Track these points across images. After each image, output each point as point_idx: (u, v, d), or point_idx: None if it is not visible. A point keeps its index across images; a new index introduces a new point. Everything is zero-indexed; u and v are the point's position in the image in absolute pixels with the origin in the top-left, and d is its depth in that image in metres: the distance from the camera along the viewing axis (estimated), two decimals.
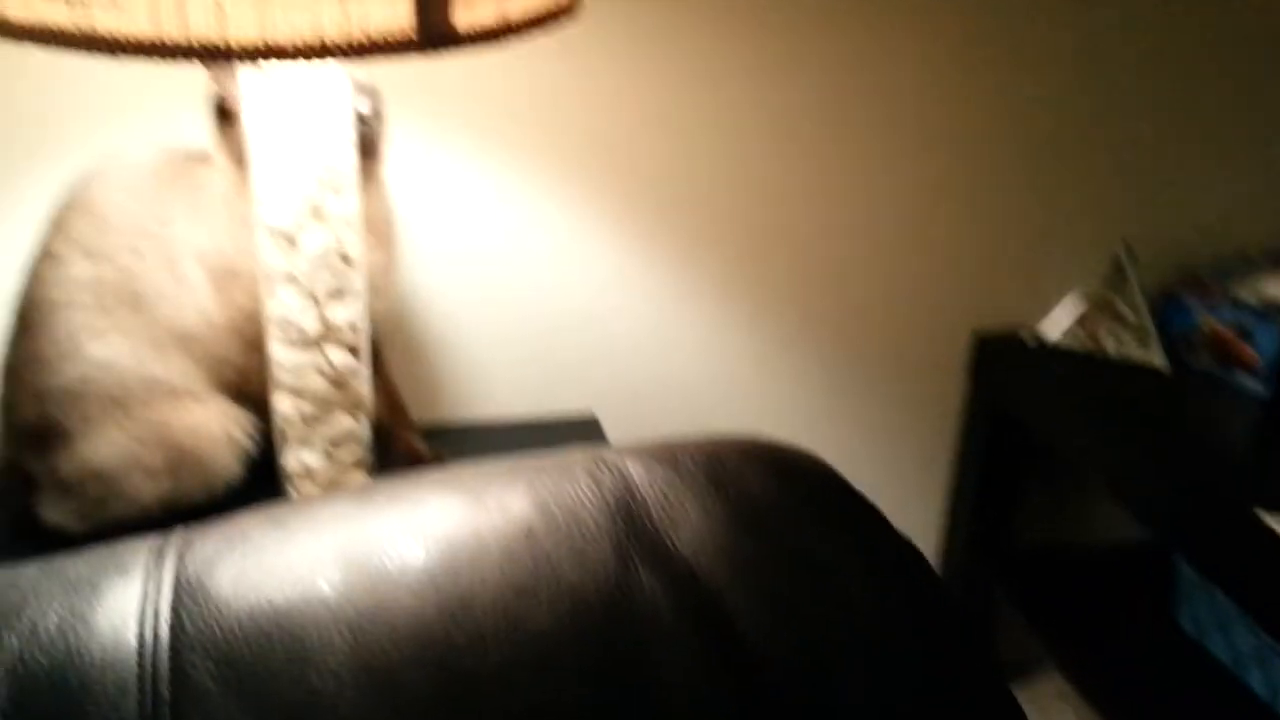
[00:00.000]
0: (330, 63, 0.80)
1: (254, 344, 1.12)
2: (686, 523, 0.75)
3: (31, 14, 0.80)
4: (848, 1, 1.42)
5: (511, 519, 0.71)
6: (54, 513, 1.14)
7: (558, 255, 1.47)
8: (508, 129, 1.38)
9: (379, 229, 1.18)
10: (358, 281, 1.08)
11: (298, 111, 0.98)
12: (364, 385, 1.13)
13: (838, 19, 1.43)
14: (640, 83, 1.40)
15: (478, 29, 0.84)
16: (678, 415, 1.60)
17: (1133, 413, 1.45)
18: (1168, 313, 1.60)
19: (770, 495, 0.78)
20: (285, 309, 1.06)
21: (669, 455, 0.81)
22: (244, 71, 0.99)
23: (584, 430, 1.50)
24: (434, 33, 0.82)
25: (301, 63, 0.79)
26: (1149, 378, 1.54)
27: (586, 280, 1.49)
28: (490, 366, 1.50)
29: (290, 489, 1.14)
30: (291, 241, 1.04)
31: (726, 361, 1.58)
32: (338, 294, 1.07)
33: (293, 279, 1.05)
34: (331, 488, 1.14)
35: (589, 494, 0.75)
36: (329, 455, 1.13)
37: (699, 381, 1.59)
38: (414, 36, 0.81)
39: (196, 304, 1.13)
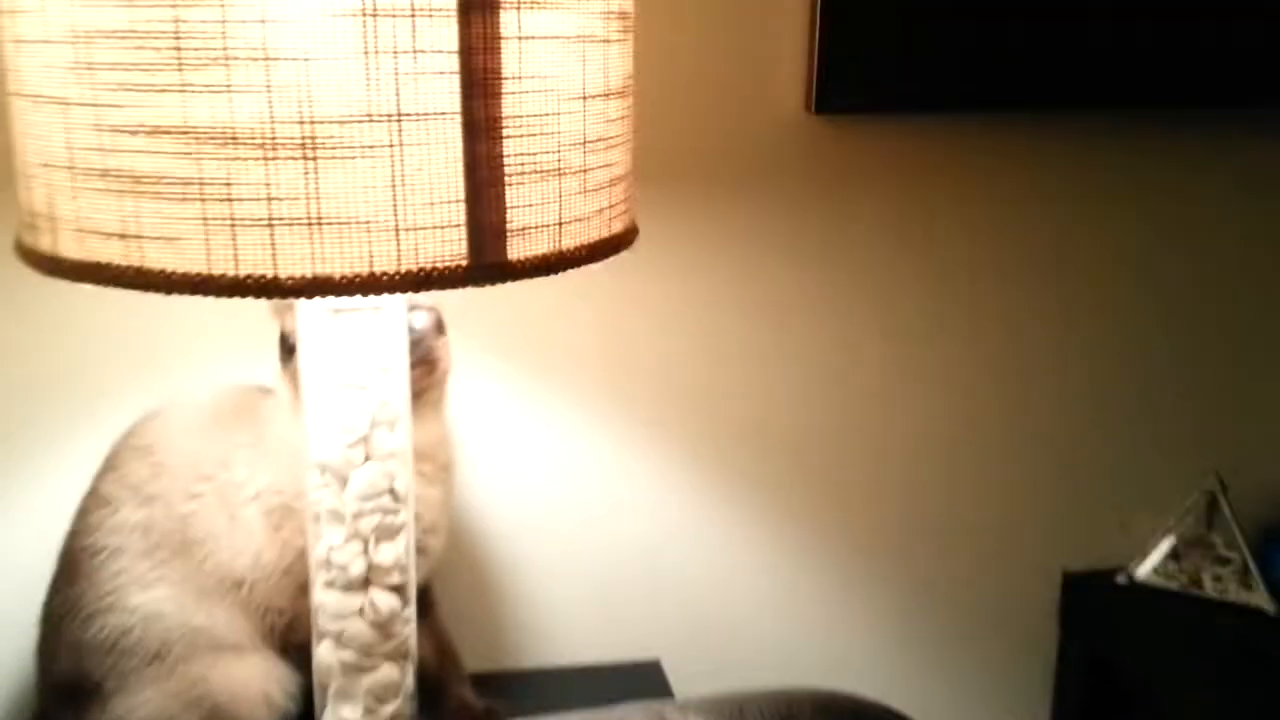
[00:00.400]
0: (383, 296, 0.78)
1: (304, 586, 1.07)
2: None
3: (86, 252, 0.80)
4: (919, 229, 1.41)
5: None
6: None
7: (618, 491, 1.42)
8: (567, 359, 1.36)
9: (438, 460, 1.14)
10: (406, 517, 1.03)
11: (350, 342, 0.96)
12: (410, 630, 1.06)
13: (912, 242, 1.41)
14: (700, 312, 1.38)
15: (532, 261, 0.82)
16: (746, 662, 1.50)
17: (1237, 657, 1.34)
18: (1270, 551, 1.50)
19: None
20: (330, 549, 1.01)
21: (735, 710, 0.73)
22: (300, 303, 0.98)
23: (647, 677, 1.41)
24: (488, 264, 0.79)
25: (354, 297, 0.77)
26: (1254, 619, 1.43)
27: (650, 517, 1.43)
28: (550, 609, 1.43)
29: None
30: (341, 479, 1.00)
31: (798, 604, 1.49)
32: (386, 532, 1.02)
33: (339, 517, 1.00)
34: None
35: None
36: (370, 710, 1.05)
37: (768, 625, 1.50)
38: (468, 268, 0.79)
39: (251, 547, 1.09)
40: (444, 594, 1.27)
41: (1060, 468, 1.52)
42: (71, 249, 0.80)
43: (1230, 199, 1.47)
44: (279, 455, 1.08)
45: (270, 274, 0.76)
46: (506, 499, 1.38)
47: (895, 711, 0.75)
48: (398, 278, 0.77)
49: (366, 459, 1.00)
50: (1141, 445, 1.53)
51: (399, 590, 1.04)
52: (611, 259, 0.86)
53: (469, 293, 0.77)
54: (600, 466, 1.40)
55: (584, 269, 0.83)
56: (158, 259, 0.77)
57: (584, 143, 0.84)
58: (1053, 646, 1.57)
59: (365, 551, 1.01)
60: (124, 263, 0.78)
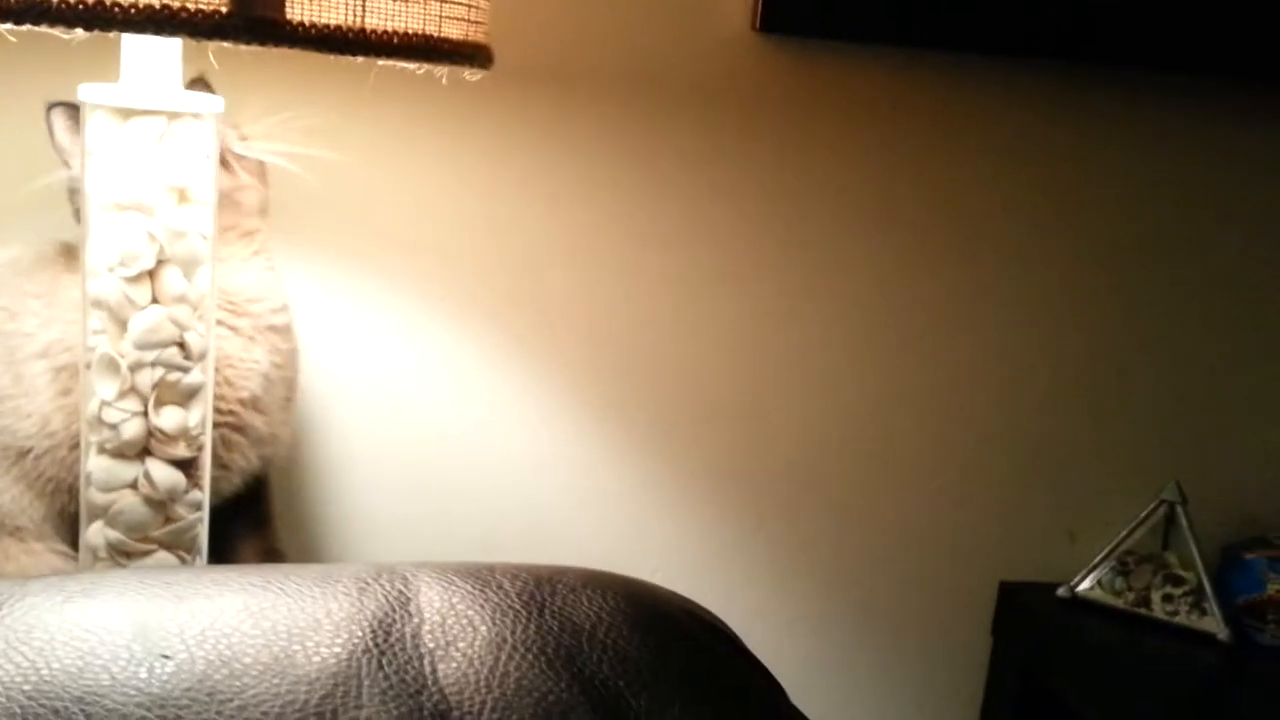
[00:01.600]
0: (118, 32, 0.64)
1: None
2: (464, 648, 0.51)
3: None
4: (867, 167, 1.27)
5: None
6: None
7: (466, 400, 1.26)
8: (416, 258, 1.21)
9: (259, 317, 0.99)
10: (202, 380, 0.89)
11: (139, 155, 0.82)
12: (199, 522, 0.91)
13: (858, 183, 1.27)
14: (621, 233, 1.24)
15: (316, 30, 0.68)
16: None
17: (1186, 690, 1.17)
18: (1228, 573, 1.33)
19: (599, 625, 0.54)
20: (101, 405, 0.86)
21: (486, 574, 0.58)
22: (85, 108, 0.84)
23: None
24: (256, 17, 0.66)
25: (71, 28, 0.63)
26: (1206, 648, 1.27)
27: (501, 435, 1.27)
28: (384, 512, 1.26)
29: None
30: (119, 321, 0.85)
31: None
32: (172, 393, 0.87)
33: (114, 367, 0.85)
34: None
35: (341, 605, 0.52)
36: None
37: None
38: (228, 16, 0.65)
39: (38, 410, 0.94)
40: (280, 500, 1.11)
41: (1008, 471, 1.36)
42: None
43: (1204, 199, 1.33)
44: (73, 310, 0.94)
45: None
46: (349, 407, 1.22)
47: (700, 608, 0.59)
48: (132, 10, 0.63)
49: (153, 301, 0.85)
50: (1099, 449, 1.37)
51: (187, 468, 0.89)
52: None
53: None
54: (447, 375, 1.24)
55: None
56: None
57: None
58: (985, 665, 1.40)
59: (144, 413, 0.86)
60: None
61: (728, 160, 1.24)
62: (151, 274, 0.84)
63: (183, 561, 0.90)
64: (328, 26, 0.68)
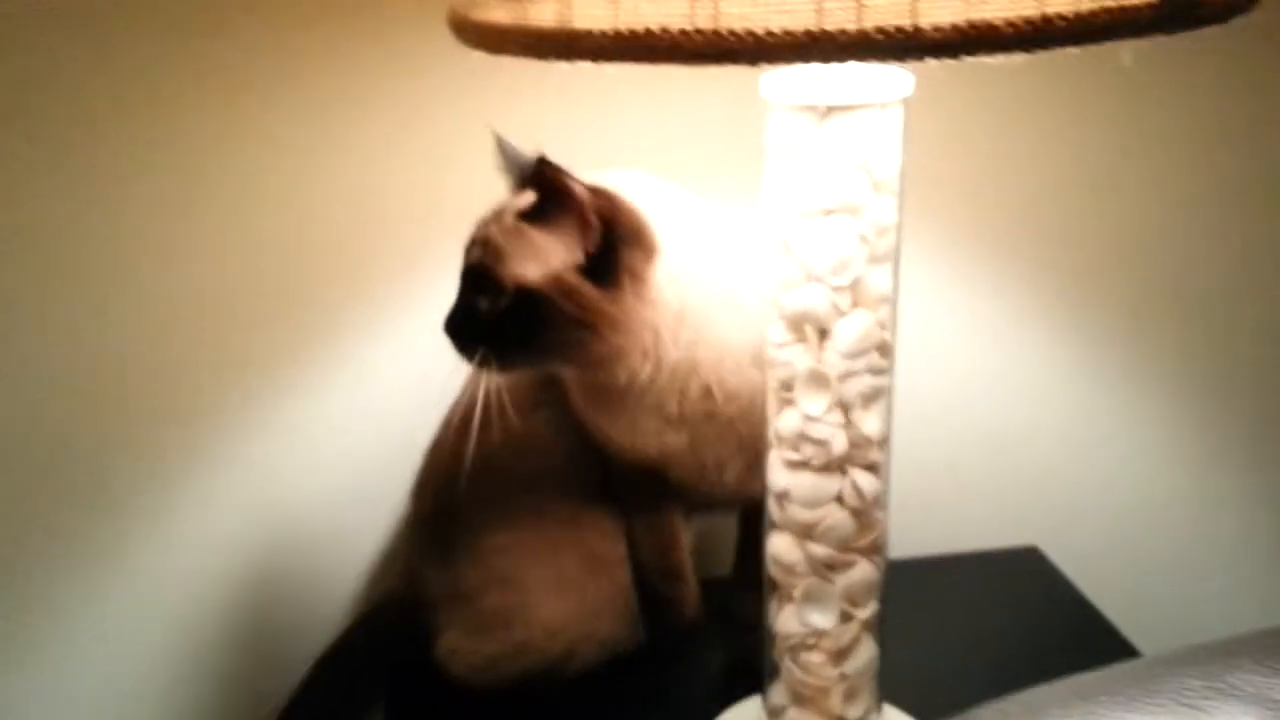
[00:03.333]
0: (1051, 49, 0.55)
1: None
2: None
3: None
4: None
5: None
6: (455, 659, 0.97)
7: (986, 373, 1.20)
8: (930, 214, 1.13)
9: None
10: (892, 379, 0.83)
11: (842, 153, 0.74)
12: (886, 518, 0.86)
13: None
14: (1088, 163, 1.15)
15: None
16: (1127, 548, 1.30)
17: None
18: None
19: None
20: (806, 420, 0.81)
21: None
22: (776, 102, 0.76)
23: (1028, 562, 1.22)
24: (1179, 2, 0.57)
25: (1004, 54, 0.55)
26: None
27: (1019, 398, 1.22)
28: (918, 496, 1.22)
29: (786, 659, 0.88)
30: (821, 331, 0.79)
31: (1179, 483, 1.29)
32: (872, 398, 0.81)
33: (821, 381, 0.79)
34: (840, 657, 0.87)
35: None
36: (846, 616, 0.86)
37: (1150, 506, 1.29)
38: (1157, 6, 0.56)
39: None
40: None
41: None
42: (597, 15, 0.58)
43: None
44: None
45: (905, 23, 0.53)
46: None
47: None
48: (1075, 23, 0.54)
49: (854, 305, 0.78)
50: None
51: (877, 470, 0.83)
52: None
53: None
54: (969, 351, 1.19)
55: None
56: (739, 13, 0.55)
57: None
58: None
59: (847, 422, 0.80)
60: (686, 25, 0.56)
61: None
62: (857, 279, 0.77)
63: (877, 567, 0.86)
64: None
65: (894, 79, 0.74)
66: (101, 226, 1.02)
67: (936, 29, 0.54)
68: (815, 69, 0.74)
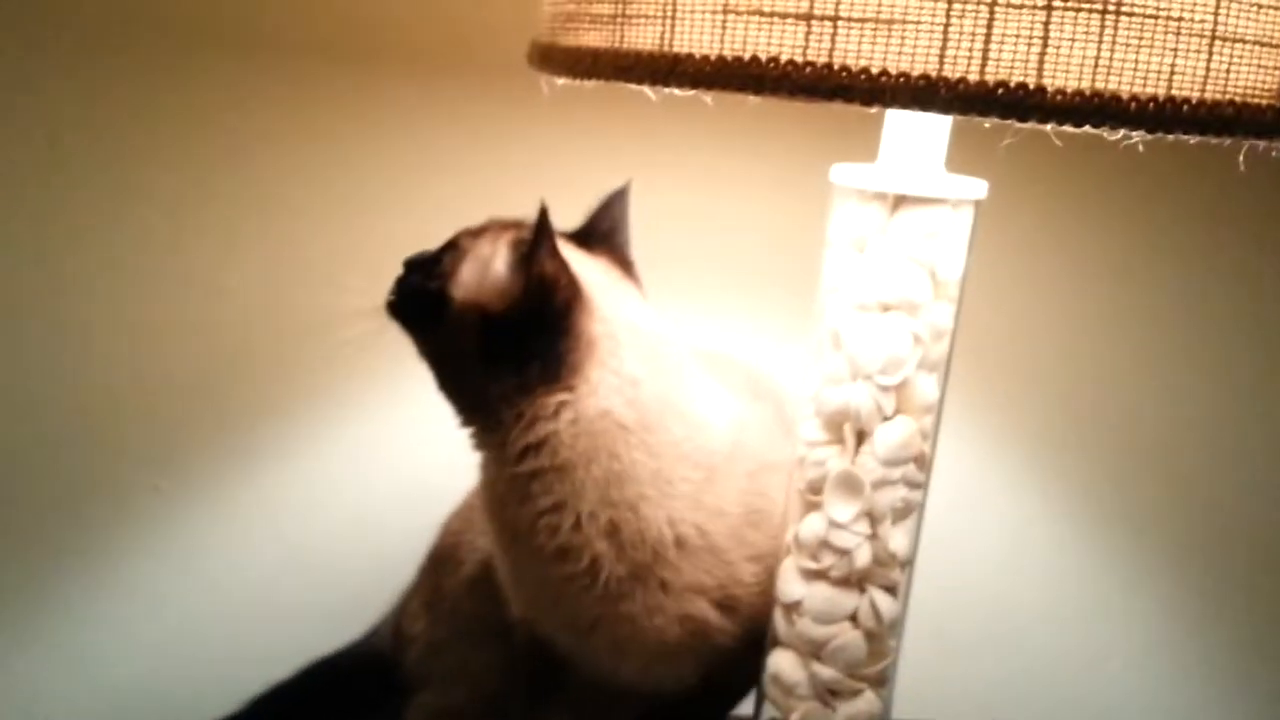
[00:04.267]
0: (1174, 133, 0.53)
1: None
2: None
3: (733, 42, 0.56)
4: None
5: None
6: None
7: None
8: None
9: None
10: (925, 495, 0.78)
11: (908, 247, 0.72)
12: (899, 651, 0.81)
13: None
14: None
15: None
16: None
17: None
18: None
19: None
20: (830, 527, 0.76)
21: None
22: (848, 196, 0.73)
23: None
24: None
25: (1131, 128, 0.53)
26: None
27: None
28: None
29: None
30: (859, 433, 0.75)
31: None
32: (904, 511, 0.77)
33: (854, 486, 0.75)
34: None
35: None
36: None
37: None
38: (1276, 108, 0.55)
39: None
40: None
41: None
42: (702, 40, 0.56)
43: None
44: None
45: (1029, 81, 0.51)
46: None
47: None
48: (1200, 108, 0.53)
49: (898, 410, 0.74)
50: None
51: (896, 593, 0.78)
52: None
53: None
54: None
55: None
56: (856, 50, 0.53)
57: None
58: None
59: (874, 535, 0.76)
60: (798, 57, 0.53)
61: None
62: (906, 381, 0.74)
63: (883, 701, 0.80)
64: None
65: (967, 183, 0.73)
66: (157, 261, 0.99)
67: (1059, 91, 0.52)
68: (892, 160, 0.72)
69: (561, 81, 0.67)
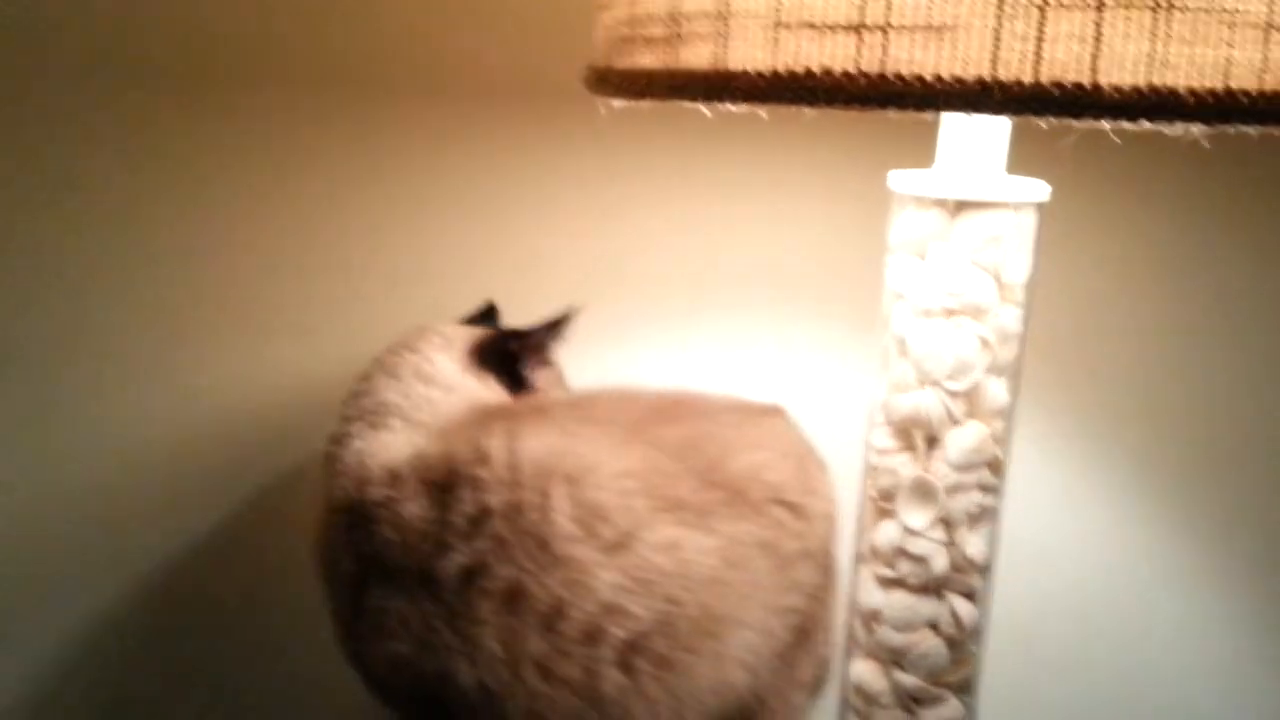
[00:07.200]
0: (1231, 124, 0.53)
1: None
2: None
3: (785, 57, 0.56)
4: None
5: None
6: None
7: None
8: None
9: None
10: (1001, 500, 0.78)
11: (970, 251, 0.72)
12: (982, 655, 0.80)
13: None
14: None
15: None
16: None
17: None
18: None
19: None
20: (905, 534, 0.76)
21: None
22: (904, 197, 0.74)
23: None
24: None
25: (1180, 121, 0.52)
26: None
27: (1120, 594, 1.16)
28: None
29: None
30: (930, 439, 0.75)
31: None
32: (980, 517, 0.76)
33: (928, 492, 0.75)
34: None
35: None
36: None
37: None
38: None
39: None
40: None
41: None
42: (755, 56, 0.57)
43: None
44: None
45: (1084, 79, 0.52)
46: None
47: None
48: (1259, 99, 0.52)
49: (969, 415, 0.74)
50: None
51: (975, 598, 0.78)
52: None
53: None
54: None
55: None
56: (908, 58, 0.53)
57: None
58: None
59: (950, 541, 0.76)
60: (851, 67, 0.54)
61: None
62: (977, 385, 0.74)
63: (967, 708, 0.79)
64: None
65: (1028, 185, 0.72)
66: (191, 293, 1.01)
67: (1115, 89, 0.52)
68: (950, 165, 0.73)
69: (619, 104, 0.68)
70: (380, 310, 1.02)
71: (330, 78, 0.97)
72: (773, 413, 0.79)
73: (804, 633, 0.74)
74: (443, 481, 0.69)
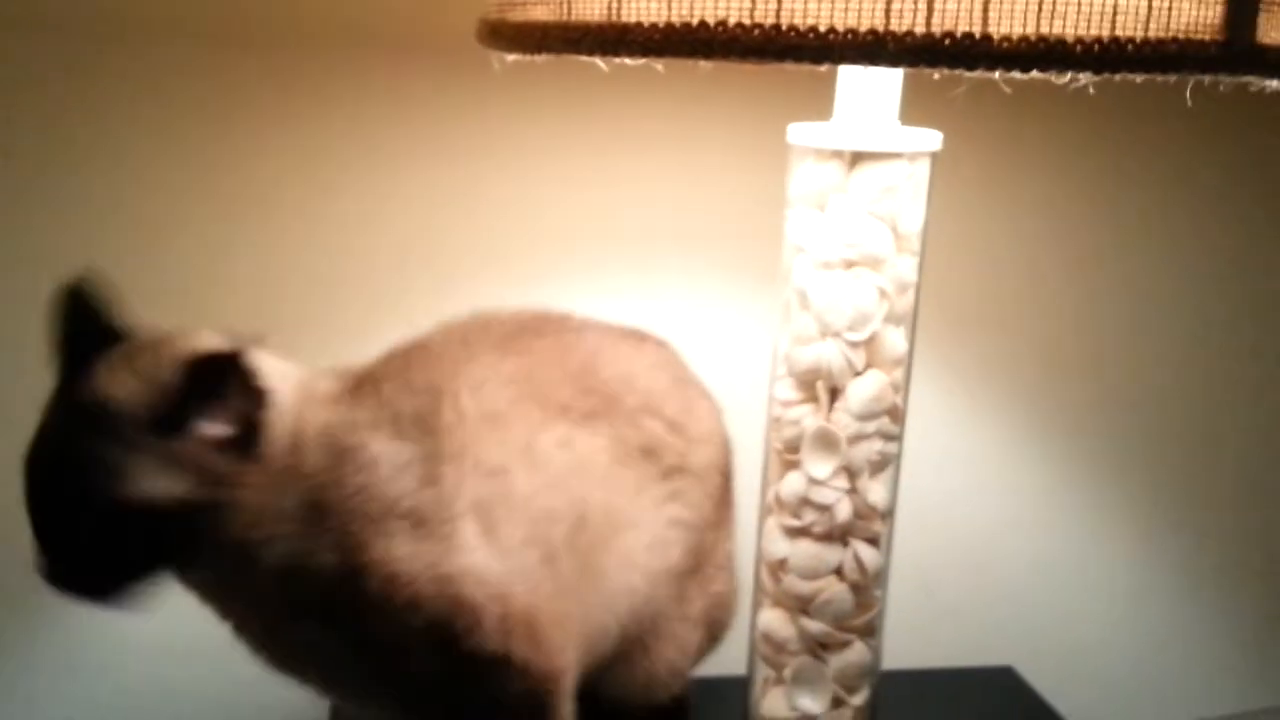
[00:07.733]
0: (1117, 72, 0.54)
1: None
2: None
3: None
4: None
5: None
6: None
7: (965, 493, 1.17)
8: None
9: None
10: (902, 447, 0.79)
11: (866, 204, 0.72)
12: (885, 599, 0.82)
13: None
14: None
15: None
16: (1100, 673, 1.26)
17: None
18: None
19: None
20: (809, 484, 0.77)
21: None
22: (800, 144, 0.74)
23: (1001, 680, 1.17)
24: (1240, 45, 0.56)
25: (1072, 71, 0.53)
26: None
27: (996, 521, 1.19)
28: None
29: None
30: (832, 389, 0.75)
31: (1150, 610, 1.25)
32: (881, 464, 0.78)
33: (830, 442, 0.76)
34: None
35: None
36: (839, 701, 0.80)
37: (1123, 630, 1.26)
38: (1221, 45, 0.55)
39: None
40: None
41: None
42: (649, 8, 0.56)
43: None
44: None
45: (974, 30, 0.52)
46: None
47: None
48: (1144, 46, 0.53)
49: (869, 364, 0.75)
50: None
51: (879, 544, 0.79)
52: None
53: None
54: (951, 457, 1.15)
55: None
56: (802, 9, 0.53)
57: None
58: None
59: (854, 489, 0.77)
60: (745, 19, 0.54)
61: None
62: (874, 335, 0.75)
63: (872, 651, 0.81)
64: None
65: (921, 135, 0.73)
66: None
67: (1005, 39, 0.52)
68: (846, 117, 0.73)
69: (512, 58, 0.67)
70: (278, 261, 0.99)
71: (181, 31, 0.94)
72: (648, 338, 0.80)
73: (694, 558, 0.77)
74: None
